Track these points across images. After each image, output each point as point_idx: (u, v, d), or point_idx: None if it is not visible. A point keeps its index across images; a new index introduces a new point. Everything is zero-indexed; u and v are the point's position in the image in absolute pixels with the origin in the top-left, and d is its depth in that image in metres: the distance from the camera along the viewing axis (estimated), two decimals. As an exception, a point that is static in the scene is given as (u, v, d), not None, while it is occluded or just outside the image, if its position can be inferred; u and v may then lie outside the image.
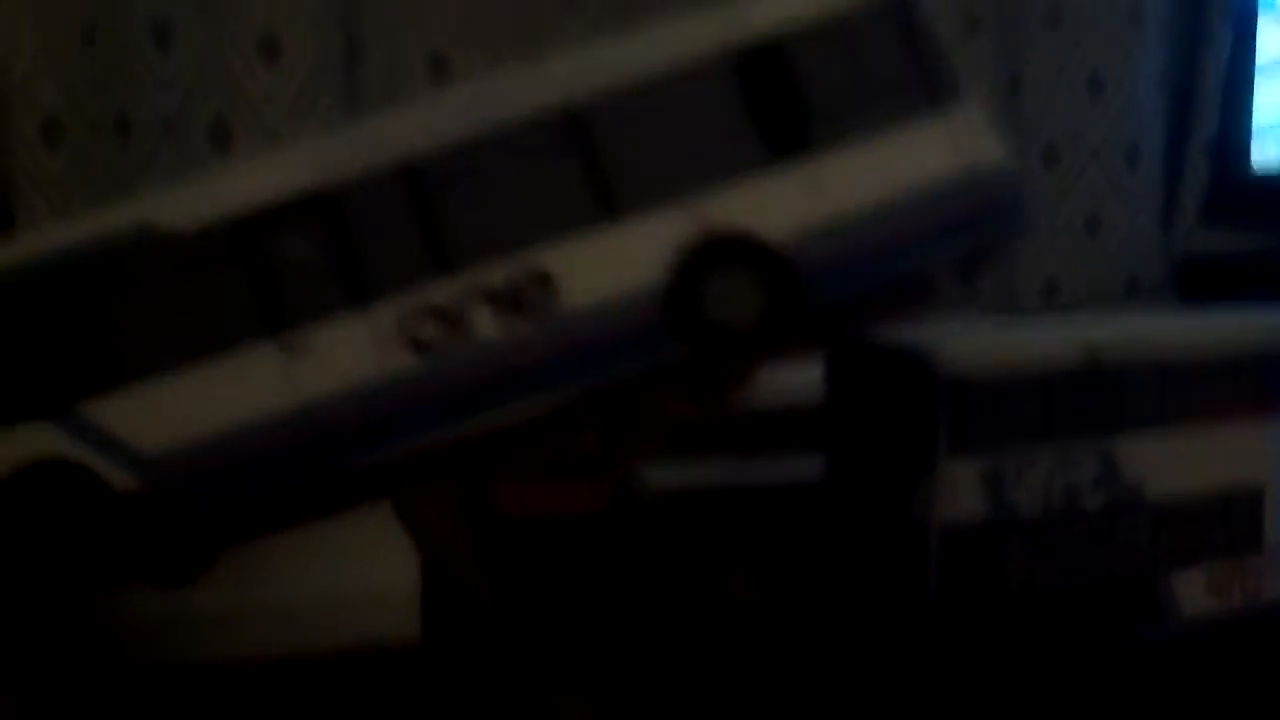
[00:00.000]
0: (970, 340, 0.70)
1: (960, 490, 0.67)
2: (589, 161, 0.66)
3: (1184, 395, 0.71)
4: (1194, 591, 0.71)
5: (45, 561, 0.61)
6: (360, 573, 0.80)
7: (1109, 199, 1.37)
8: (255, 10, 1.11)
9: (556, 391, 0.63)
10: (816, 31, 0.64)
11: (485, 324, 0.65)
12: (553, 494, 0.69)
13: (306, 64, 1.11)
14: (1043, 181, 1.38)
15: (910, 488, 0.68)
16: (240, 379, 0.62)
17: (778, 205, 0.62)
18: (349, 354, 0.62)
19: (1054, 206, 1.37)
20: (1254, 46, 1.48)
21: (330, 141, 0.67)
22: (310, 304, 0.62)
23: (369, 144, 0.65)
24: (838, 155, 0.64)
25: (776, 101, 0.64)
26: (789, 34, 0.63)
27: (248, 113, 1.08)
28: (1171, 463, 0.71)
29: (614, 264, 0.63)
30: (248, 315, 0.63)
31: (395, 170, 0.65)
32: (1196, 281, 1.41)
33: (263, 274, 0.64)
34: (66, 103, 1.03)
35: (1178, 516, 0.71)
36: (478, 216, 0.63)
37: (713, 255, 0.62)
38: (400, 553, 0.69)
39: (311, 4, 1.14)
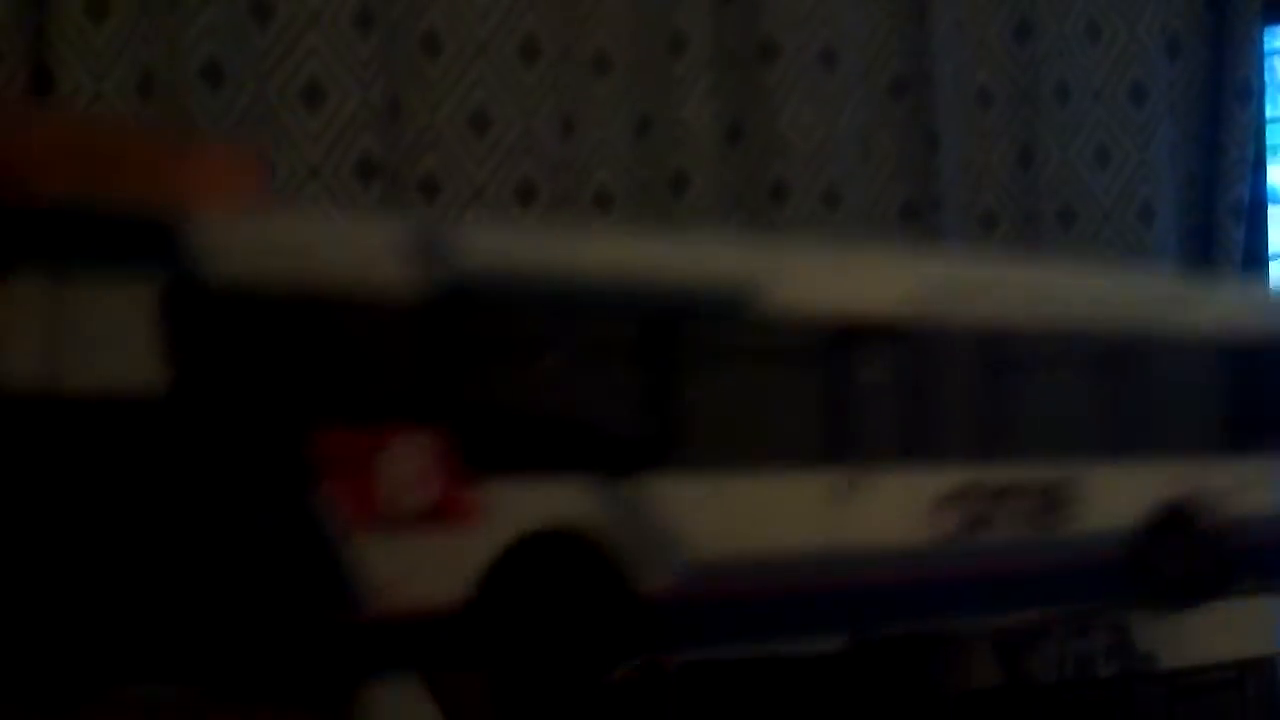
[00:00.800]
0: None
1: (975, 660, 0.69)
2: (1130, 395, 0.67)
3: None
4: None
5: (544, 643, 0.54)
6: None
7: None
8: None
9: (1023, 608, 0.65)
10: None
11: (1009, 519, 0.68)
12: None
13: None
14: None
15: (929, 656, 0.69)
16: (796, 501, 0.58)
17: (1234, 490, 0.67)
18: (904, 509, 0.59)
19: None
20: (1266, 238, 1.54)
21: (931, 266, 0.69)
22: (880, 442, 0.60)
23: (962, 288, 0.64)
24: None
25: (1253, 399, 0.69)
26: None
27: None
28: (1184, 633, 0.72)
29: (1112, 499, 0.68)
30: (816, 432, 0.60)
31: (983, 332, 0.67)
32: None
33: (841, 392, 0.62)
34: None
35: (1193, 686, 0.72)
36: (1035, 409, 0.66)
37: (1174, 518, 0.67)
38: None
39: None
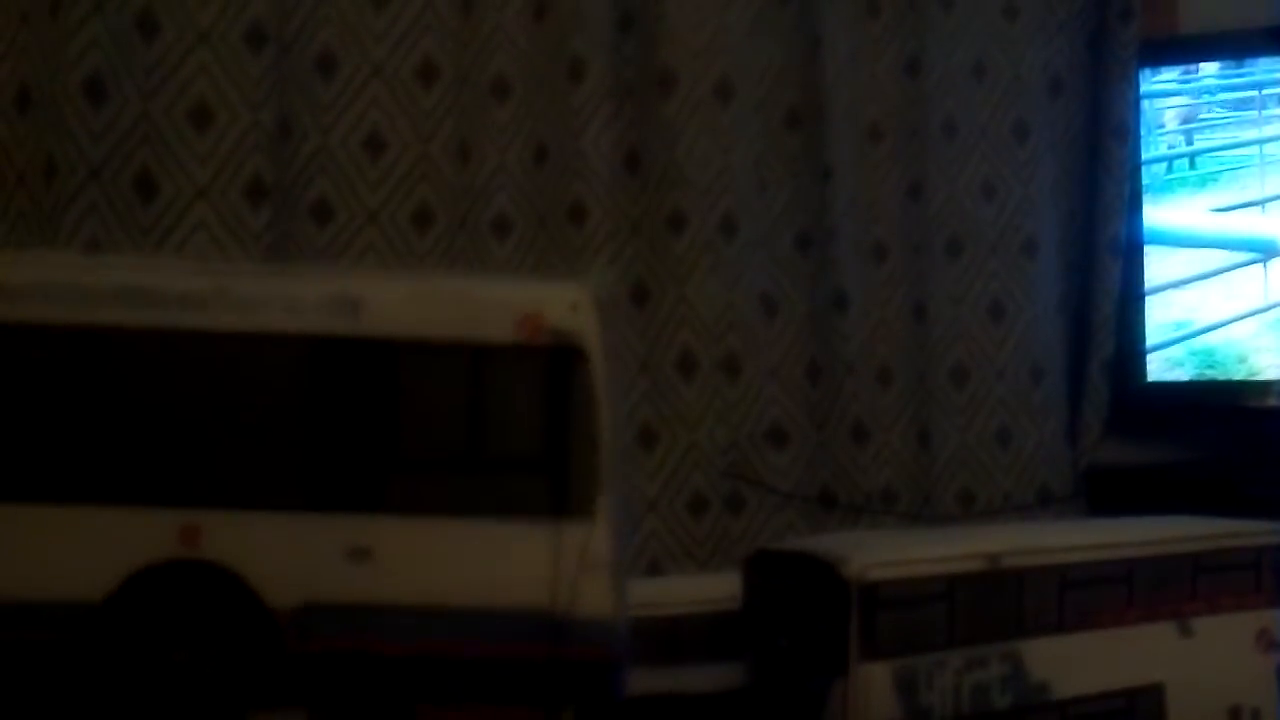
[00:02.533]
0: (878, 549, 0.74)
1: (874, 693, 0.70)
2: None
3: (1082, 598, 0.75)
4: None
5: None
6: None
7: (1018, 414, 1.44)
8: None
9: None
10: None
11: None
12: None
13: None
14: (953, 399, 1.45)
15: (825, 692, 0.70)
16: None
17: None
18: None
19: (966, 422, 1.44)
20: (1143, 274, 1.59)
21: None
22: None
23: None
24: None
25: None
26: None
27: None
28: (1076, 662, 0.74)
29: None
30: None
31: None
32: (1105, 492, 1.47)
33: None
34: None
35: (1085, 714, 0.73)
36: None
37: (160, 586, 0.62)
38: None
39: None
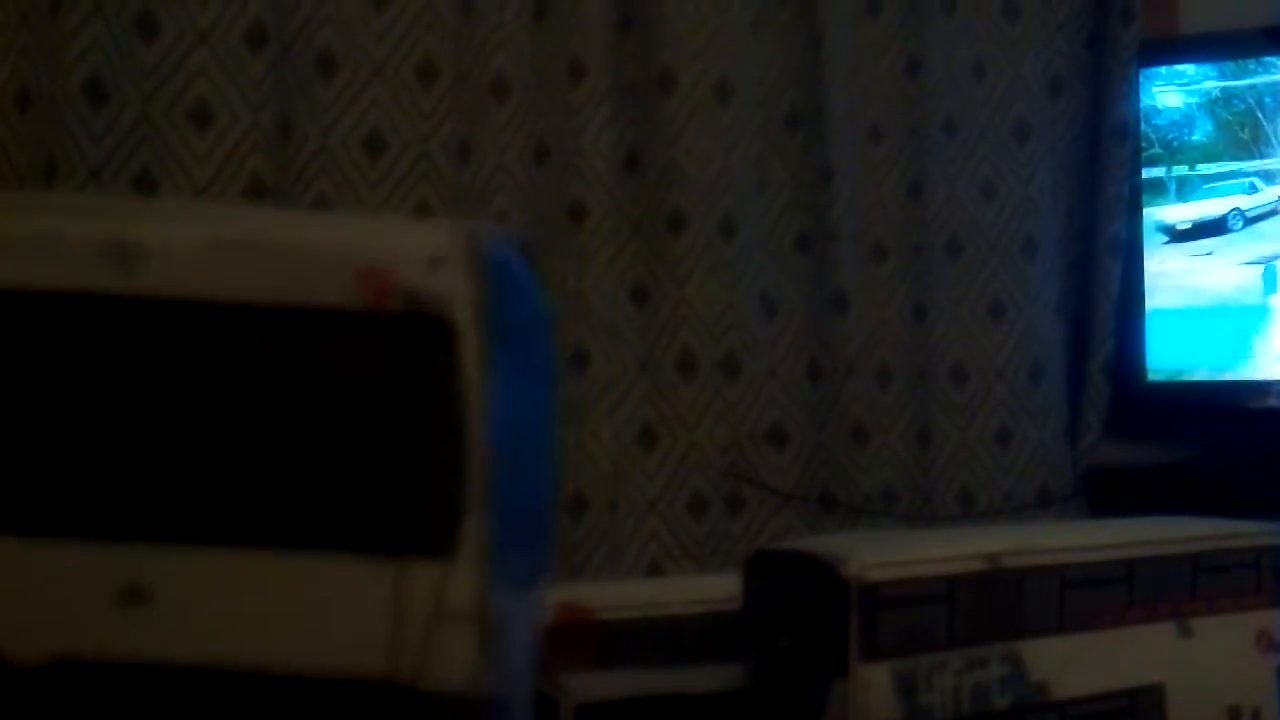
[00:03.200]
0: (878, 548, 0.74)
1: (873, 694, 0.70)
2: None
3: (1082, 599, 0.75)
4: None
5: None
6: None
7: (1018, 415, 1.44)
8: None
9: None
10: None
11: None
12: None
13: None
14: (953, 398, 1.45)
15: (825, 693, 0.70)
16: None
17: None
18: None
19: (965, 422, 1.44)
20: (1143, 273, 1.59)
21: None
22: None
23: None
24: None
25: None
26: None
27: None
28: (1076, 663, 0.74)
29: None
30: None
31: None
32: (1105, 492, 1.47)
33: None
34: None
35: (1085, 715, 0.73)
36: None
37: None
38: None
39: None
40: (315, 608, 0.38)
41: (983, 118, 1.64)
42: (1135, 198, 1.70)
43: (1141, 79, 1.71)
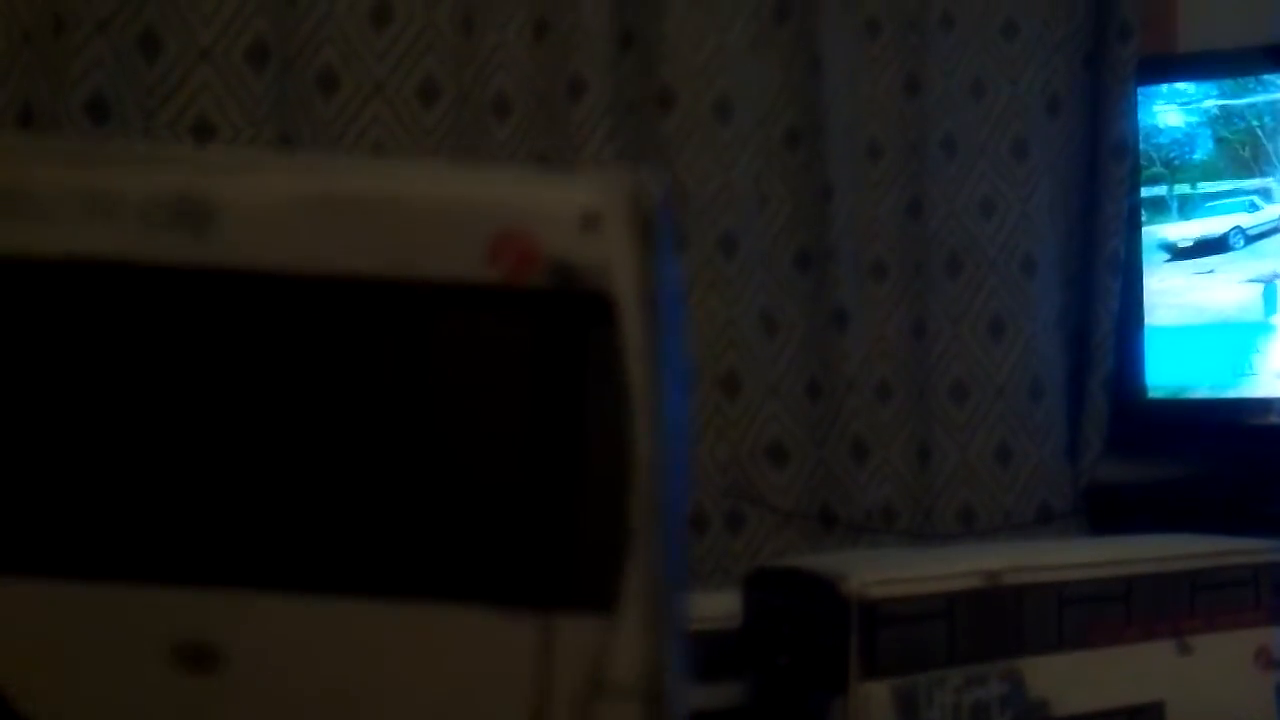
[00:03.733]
0: (878, 566, 0.74)
1: (873, 711, 0.69)
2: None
3: (1082, 616, 0.75)
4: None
5: None
6: None
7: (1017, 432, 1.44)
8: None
9: None
10: None
11: None
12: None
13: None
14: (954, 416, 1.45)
15: (825, 710, 0.70)
16: None
17: None
18: None
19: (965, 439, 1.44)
20: (1142, 291, 1.59)
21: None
22: None
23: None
24: None
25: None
26: None
27: None
28: (1075, 680, 0.74)
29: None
30: None
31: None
32: (1105, 510, 1.47)
33: None
34: None
35: (1085, 733, 0.73)
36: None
37: None
38: None
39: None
40: (432, 676, 0.28)
41: (982, 136, 1.65)
42: (1134, 215, 1.70)
43: (1142, 98, 1.72)
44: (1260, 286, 1.66)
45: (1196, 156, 1.71)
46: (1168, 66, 1.74)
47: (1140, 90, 1.71)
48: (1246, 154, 1.69)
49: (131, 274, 0.29)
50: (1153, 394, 1.55)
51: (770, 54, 1.54)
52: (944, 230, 1.62)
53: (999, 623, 0.73)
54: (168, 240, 0.29)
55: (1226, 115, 1.69)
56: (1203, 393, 1.62)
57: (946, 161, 1.62)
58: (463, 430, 0.29)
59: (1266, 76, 1.67)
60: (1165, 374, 1.59)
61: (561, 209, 0.30)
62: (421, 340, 0.29)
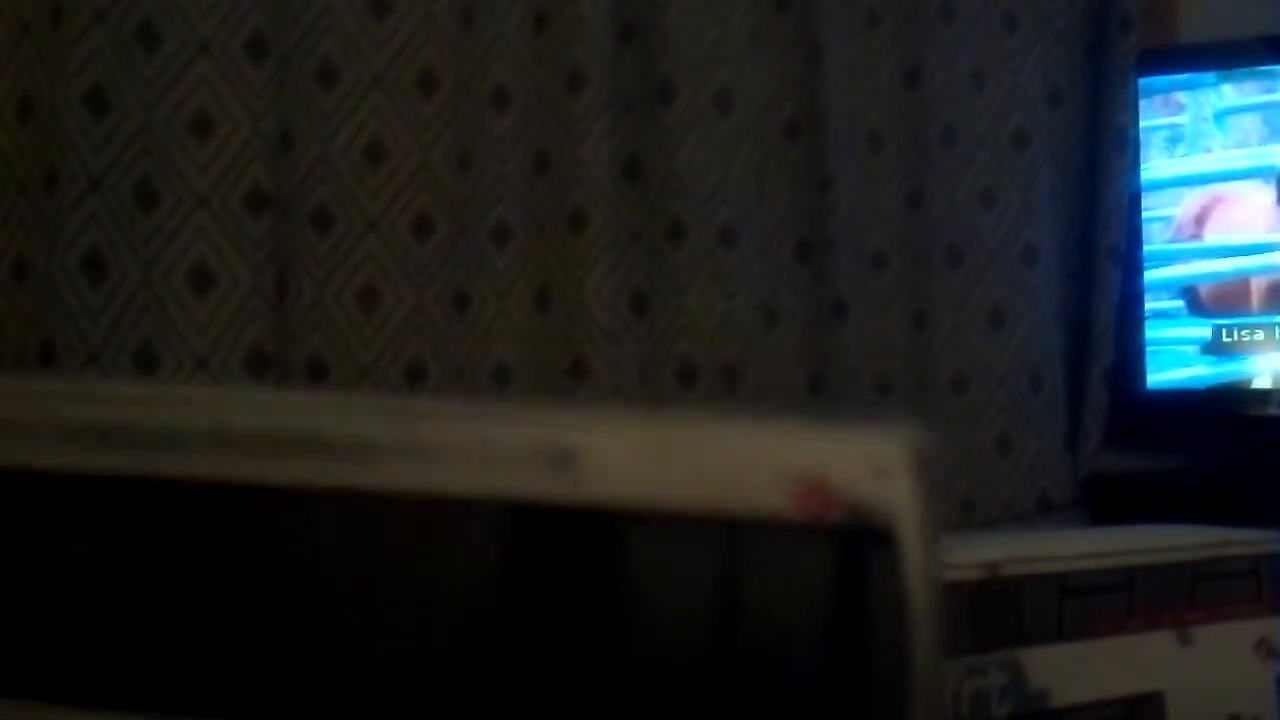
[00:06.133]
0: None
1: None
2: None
3: (1082, 607, 0.75)
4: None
5: None
6: None
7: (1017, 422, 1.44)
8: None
9: None
10: None
11: None
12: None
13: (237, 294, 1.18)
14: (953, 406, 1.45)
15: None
16: None
17: None
18: None
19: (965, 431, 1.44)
20: (1142, 281, 1.59)
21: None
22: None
23: None
24: None
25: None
26: None
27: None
28: (1075, 671, 0.74)
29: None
30: None
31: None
32: (1105, 500, 1.47)
33: None
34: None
35: (1085, 723, 0.73)
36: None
37: None
38: None
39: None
40: None
41: (982, 127, 1.64)
42: (1135, 206, 1.70)
43: (1141, 88, 1.71)
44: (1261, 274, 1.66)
45: (1198, 145, 1.71)
46: (1168, 57, 1.73)
47: (1140, 81, 1.71)
48: (1248, 145, 1.68)
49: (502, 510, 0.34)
50: (1153, 384, 1.55)
51: (770, 46, 1.54)
52: (944, 221, 1.61)
53: (999, 613, 0.72)
54: (538, 480, 0.34)
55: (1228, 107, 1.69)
56: (1203, 383, 1.62)
57: (946, 152, 1.62)
58: (770, 647, 0.33)
59: (1267, 67, 1.67)
60: (1165, 364, 1.59)
61: (856, 458, 0.35)
62: (735, 568, 0.34)
